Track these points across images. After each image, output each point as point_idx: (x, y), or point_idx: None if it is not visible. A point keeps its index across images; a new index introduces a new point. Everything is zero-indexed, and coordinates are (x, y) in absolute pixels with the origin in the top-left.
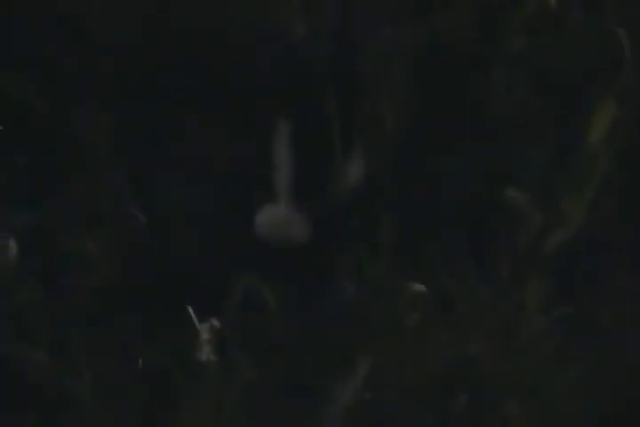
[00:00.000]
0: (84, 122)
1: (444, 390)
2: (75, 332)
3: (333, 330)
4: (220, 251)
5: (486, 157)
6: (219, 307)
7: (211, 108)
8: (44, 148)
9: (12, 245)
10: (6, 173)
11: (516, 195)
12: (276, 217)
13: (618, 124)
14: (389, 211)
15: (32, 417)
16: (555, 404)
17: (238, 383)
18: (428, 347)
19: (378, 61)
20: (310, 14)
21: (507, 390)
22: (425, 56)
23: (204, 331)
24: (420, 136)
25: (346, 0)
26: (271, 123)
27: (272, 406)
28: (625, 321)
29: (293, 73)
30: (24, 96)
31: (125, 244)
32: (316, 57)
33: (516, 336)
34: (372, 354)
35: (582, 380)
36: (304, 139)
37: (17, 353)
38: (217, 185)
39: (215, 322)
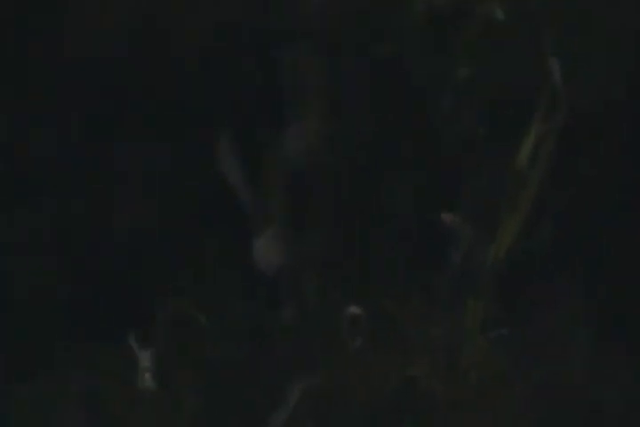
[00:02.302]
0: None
1: (388, 412)
2: (15, 358)
3: (273, 354)
4: (163, 272)
5: (426, 178)
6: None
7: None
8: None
9: None
10: None
11: (450, 218)
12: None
13: (546, 144)
14: (332, 233)
15: None
16: (499, 423)
17: (180, 411)
18: (371, 370)
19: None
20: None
21: (451, 409)
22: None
23: (144, 358)
24: (363, 159)
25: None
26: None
27: None
28: (567, 340)
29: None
30: None
31: (67, 263)
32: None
33: (459, 357)
34: (313, 379)
35: (526, 399)
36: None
37: None
38: (165, 200)
39: (155, 348)
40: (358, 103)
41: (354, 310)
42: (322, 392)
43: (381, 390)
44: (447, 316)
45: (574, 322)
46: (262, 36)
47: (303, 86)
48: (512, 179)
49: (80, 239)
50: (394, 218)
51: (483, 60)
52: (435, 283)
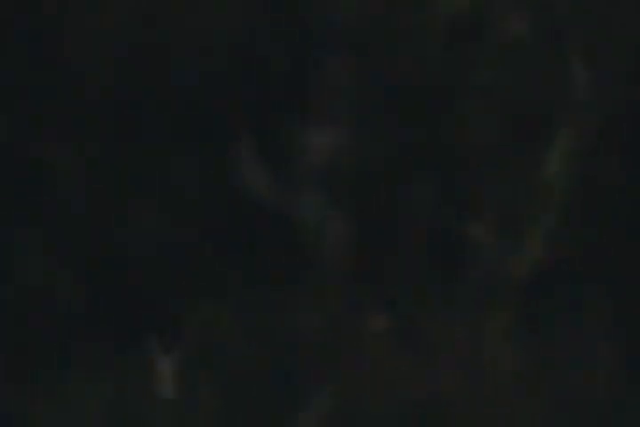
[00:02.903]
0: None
1: (410, 416)
2: (37, 361)
3: (295, 361)
4: (184, 278)
5: (450, 188)
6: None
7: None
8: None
9: None
10: None
11: (478, 228)
12: None
13: (573, 155)
14: (353, 240)
15: None
16: None
17: (200, 417)
18: (391, 378)
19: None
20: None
21: (472, 419)
22: (392, 87)
23: (165, 363)
24: (381, 165)
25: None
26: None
27: None
28: (589, 346)
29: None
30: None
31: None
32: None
33: (480, 366)
34: (335, 385)
35: (545, 408)
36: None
37: None
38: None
39: (175, 353)
40: (383, 111)
41: (378, 316)
42: (344, 397)
43: (403, 394)
44: (470, 322)
45: (597, 328)
46: (289, 37)
47: (328, 86)
48: (538, 188)
49: (101, 244)
50: (418, 225)
51: (508, 68)
52: (458, 290)
